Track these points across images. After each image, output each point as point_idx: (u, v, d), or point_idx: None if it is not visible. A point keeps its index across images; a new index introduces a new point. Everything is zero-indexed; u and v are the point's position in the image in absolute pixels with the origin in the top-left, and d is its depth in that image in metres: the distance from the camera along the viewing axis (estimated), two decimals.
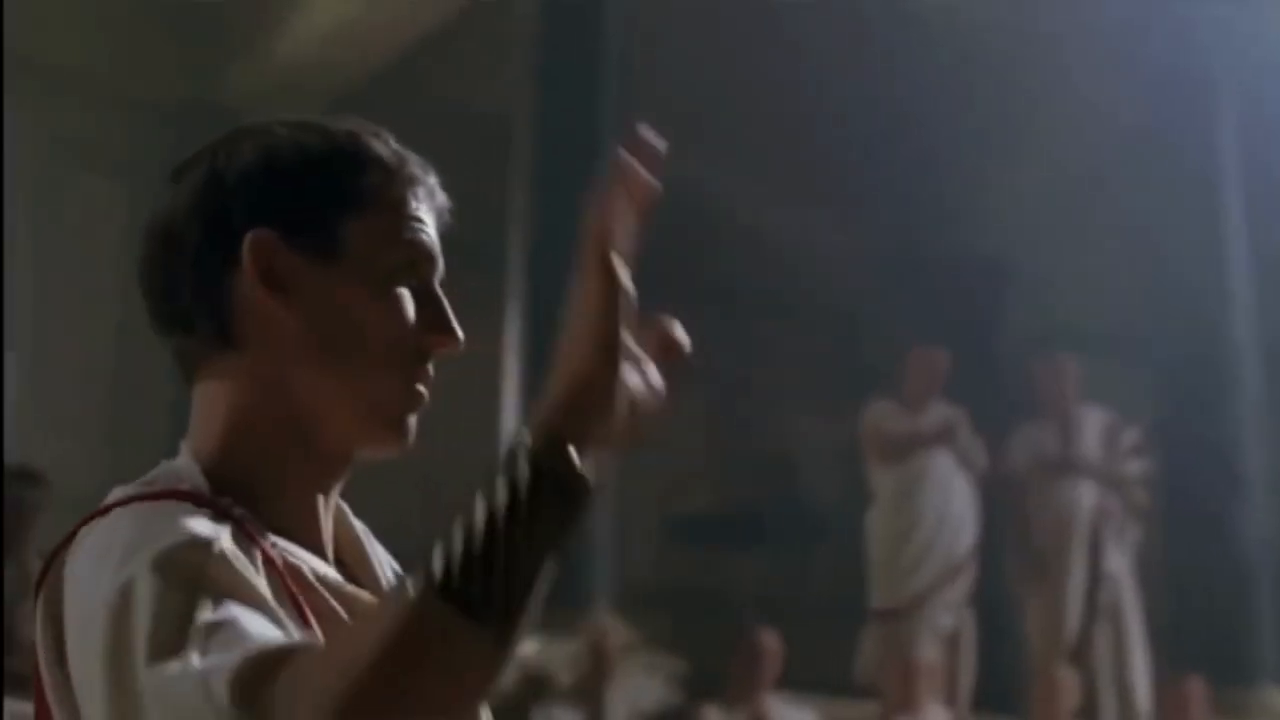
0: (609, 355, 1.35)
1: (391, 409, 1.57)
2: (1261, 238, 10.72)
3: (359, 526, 1.69)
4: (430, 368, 1.60)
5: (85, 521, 1.50)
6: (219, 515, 1.46)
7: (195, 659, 1.31)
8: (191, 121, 11.18)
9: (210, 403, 1.59)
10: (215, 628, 1.33)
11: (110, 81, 11.21)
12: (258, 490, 1.54)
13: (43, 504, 6.94)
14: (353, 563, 1.65)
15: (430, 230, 1.62)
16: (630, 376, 1.38)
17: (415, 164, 1.63)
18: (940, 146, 11.13)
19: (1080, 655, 9.47)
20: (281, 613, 1.39)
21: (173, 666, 1.31)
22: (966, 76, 10.96)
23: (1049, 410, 9.87)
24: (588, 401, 1.34)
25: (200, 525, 1.42)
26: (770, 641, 8.35)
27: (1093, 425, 9.79)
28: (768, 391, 12.29)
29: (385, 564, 1.68)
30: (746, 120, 11.12)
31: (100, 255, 10.85)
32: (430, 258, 1.61)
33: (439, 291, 1.61)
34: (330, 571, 1.56)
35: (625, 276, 1.40)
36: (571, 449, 1.32)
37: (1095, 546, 9.68)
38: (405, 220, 1.59)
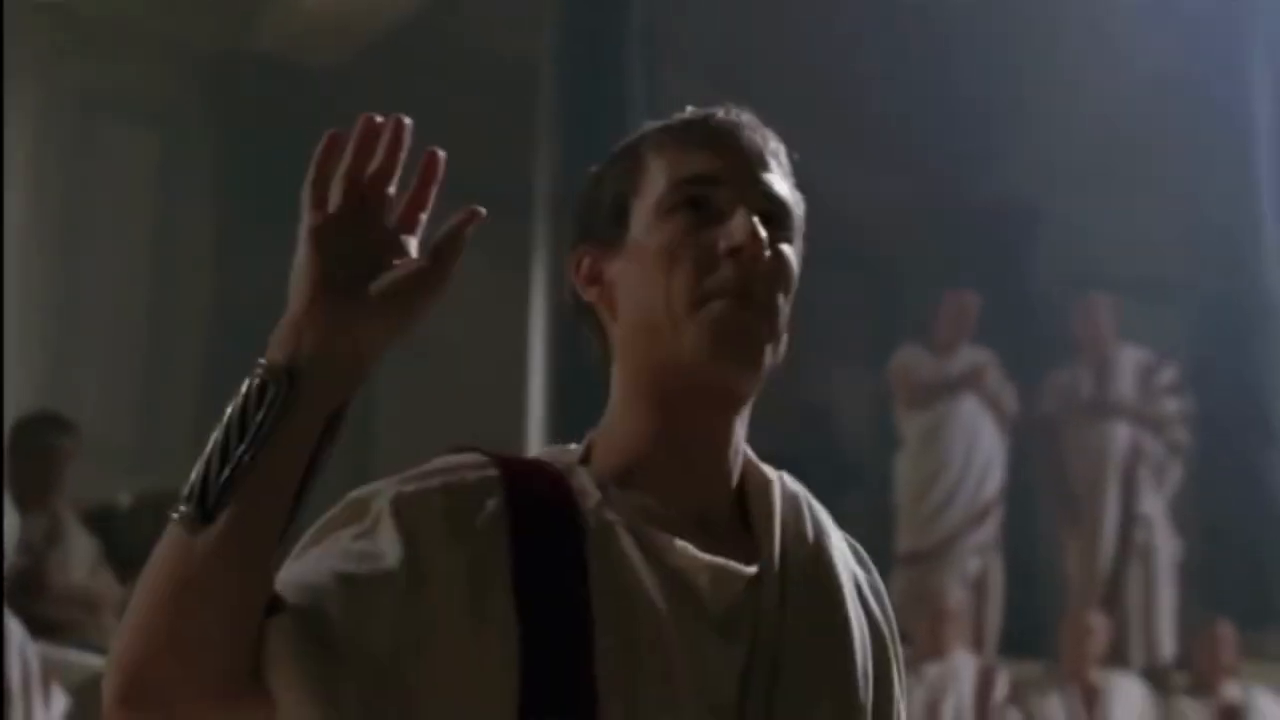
0: (301, 278, 1.51)
1: (704, 339, 1.63)
2: None
3: (784, 496, 1.74)
4: (739, 276, 1.64)
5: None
6: (490, 486, 1.59)
7: None
8: (223, 70, 11.21)
9: (612, 389, 1.72)
10: None
11: (142, 29, 11.21)
12: (628, 459, 1.66)
13: (73, 452, 6.98)
14: (757, 526, 1.69)
15: (707, 157, 1.69)
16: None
17: (702, 120, 1.74)
18: (972, 94, 11.08)
19: (1112, 596, 9.49)
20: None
21: None
22: (999, 24, 10.90)
23: (1084, 351, 9.87)
24: (294, 318, 1.50)
25: (423, 485, 1.58)
26: None
27: (1128, 365, 9.79)
28: (800, 338, 12.24)
29: (803, 533, 1.72)
30: (776, 68, 11.06)
31: (133, 203, 10.87)
32: (700, 179, 1.67)
33: (726, 205, 1.66)
34: (671, 537, 1.61)
35: (315, 213, 1.53)
36: (281, 353, 1.48)
37: (1129, 487, 9.69)
38: (671, 168, 1.68)
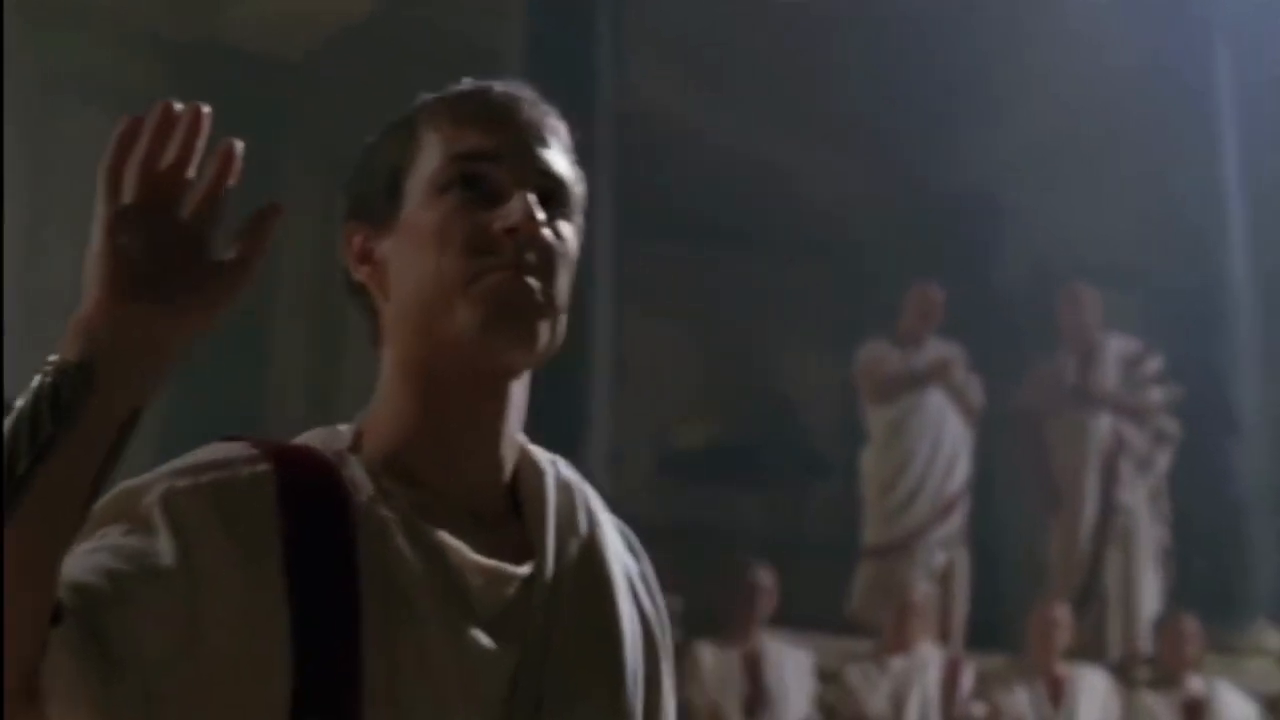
0: (95, 271, 1.45)
1: (476, 315, 1.58)
2: (1257, 171, 10.71)
3: (557, 483, 1.70)
4: (514, 252, 1.60)
5: None
6: (252, 462, 1.57)
7: None
8: (189, 55, 11.14)
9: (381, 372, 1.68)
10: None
11: (109, 14, 11.16)
12: (398, 446, 1.62)
13: None
14: (529, 516, 1.66)
15: (484, 132, 1.65)
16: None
17: (473, 89, 1.70)
18: (940, 85, 11.09)
19: (1090, 585, 9.52)
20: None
21: None
22: (966, 15, 10.91)
23: (1068, 340, 9.88)
24: (88, 313, 1.44)
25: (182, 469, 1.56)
26: (765, 579, 8.38)
27: (1112, 355, 9.81)
28: (766, 329, 12.28)
29: (578, 524, 1.69)
30: (745, 57, 11.07)
31: (97, 189, 10.81)
32: (477, 155, 1.63)
33: (501, 183, 1.63)
34: (447, 535, 1.58)
35: (109, 202, 1.47)
36: (74, 350, 1.42)
37: (1110, 477, 9.71)
38: (446, 144, 1.64)
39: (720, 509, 11.76)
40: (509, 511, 1.66)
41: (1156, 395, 9.85)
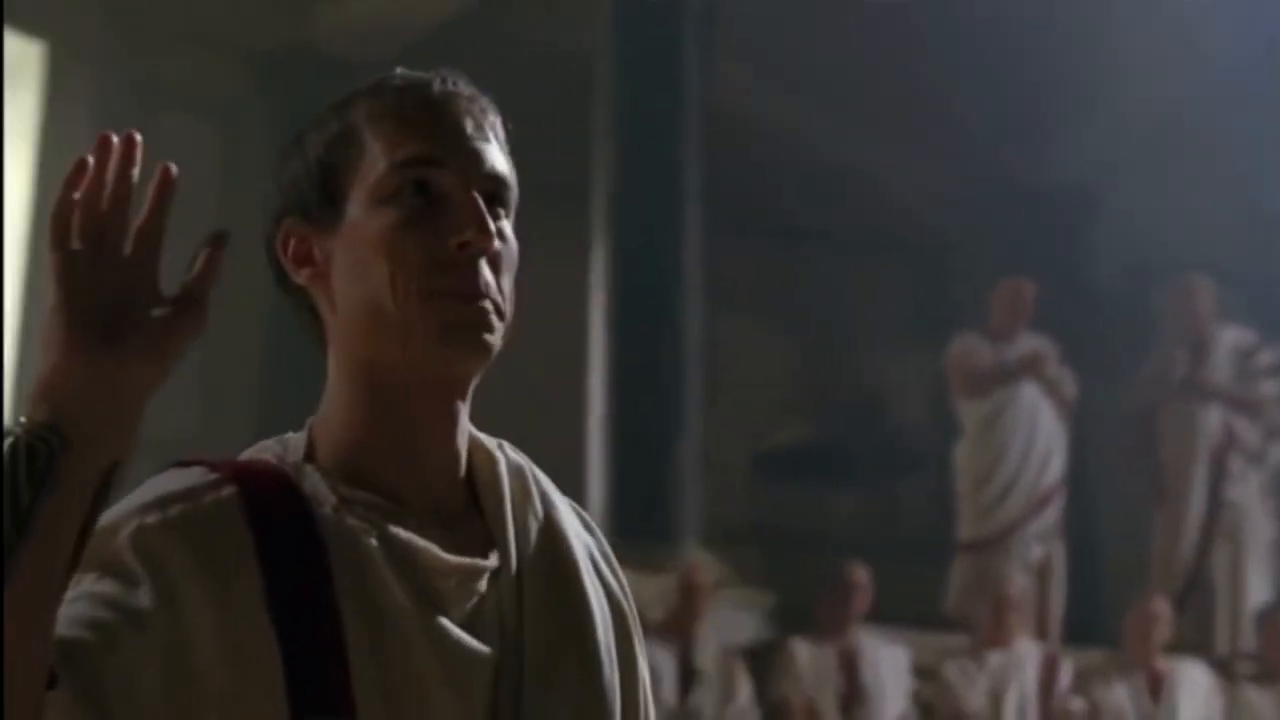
0: (52, 325, 1.40)
1: (432, 330, 1.56)
2: None
3: (510, 470, 1.68)
4: (470, 270, 1.57)
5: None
6: (214, 489, 1.54)
7: None
8: (280, 63, 11.24)
9: (328, 378, 1.66)
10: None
11: (201, 24, 11.26)
12: (355, 452, 1.61)
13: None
14: (487, 507, 1.65)
15: (437, 131, 1.61)
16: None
17: (409, 81, 1.64)
18: (1030, 78, 11.03)
19: (1195, 580, 9.44)
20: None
21: None
22: (1058, 6, 10.85)
23: (1180, 333, 9.80)
24: (51, 370, 1.40)
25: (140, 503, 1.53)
26: (860, 575, 8.37)
27: (1225, 347, 9.73)
28: (858, 326, 12.26)
29: (533, 509, 1.67)
30: (832, 56, 11.04)
31: (194, 197, 10.89)
32: (429, 162, 1.59)
33: (452, 190, 1.59)
34: (414, 537, 1.57)
35: (59, 251, 1.41)
36: (43, 410, 1.37)
37: (1219, 471, 9.63)
38: (392, 141, 1.60)
39: (814, 507, 11.75)
40: (467, 504, 1.65)
41: (1270, 388, 9.75)
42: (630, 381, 8.92)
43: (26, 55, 10.39)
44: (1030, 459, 9.55)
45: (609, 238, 9.31)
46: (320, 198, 1.62)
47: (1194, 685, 8.62)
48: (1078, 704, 8.48)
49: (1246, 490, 9.64)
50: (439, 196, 1.58)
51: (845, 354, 12.38)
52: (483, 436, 1.68)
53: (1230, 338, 9.79)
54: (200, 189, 10.87)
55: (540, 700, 1.57)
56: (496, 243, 1.59)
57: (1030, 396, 9.57)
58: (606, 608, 1.67)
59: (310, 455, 1.62)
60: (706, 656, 7.87)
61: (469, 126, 1.62)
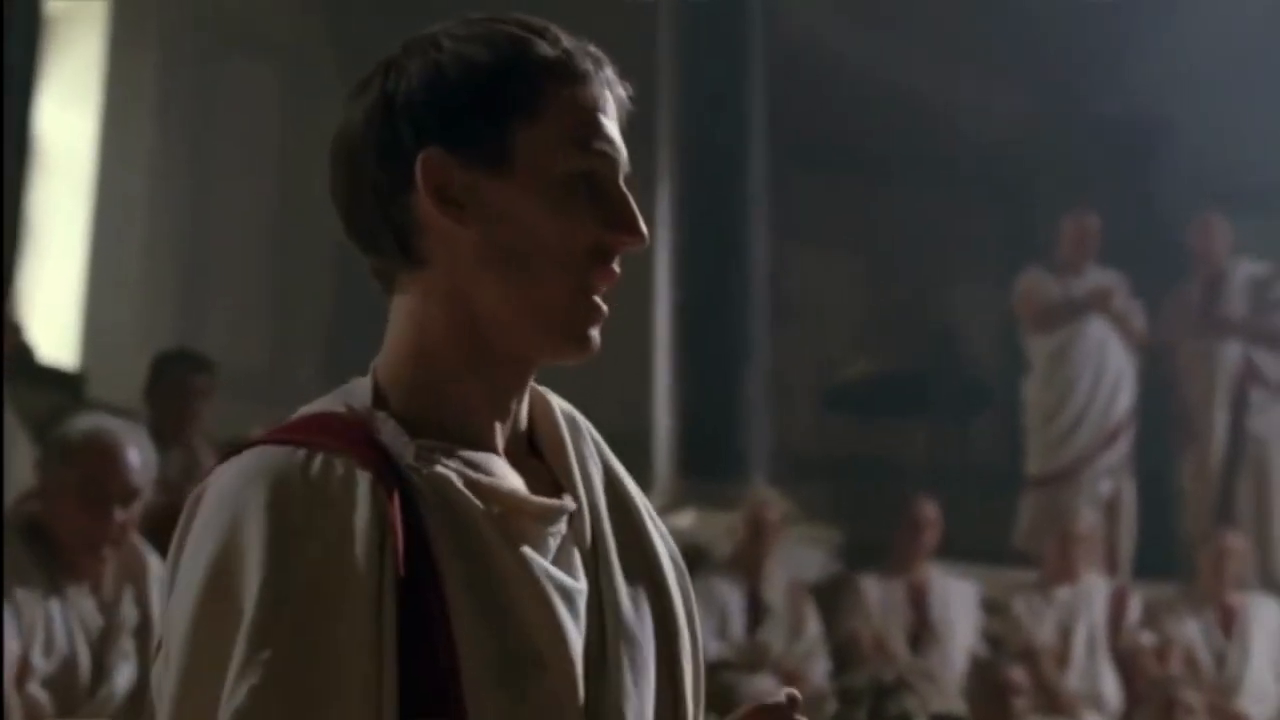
0: None
1: (570, 319, 1.58)
2: None
3: (564, 417, 1.69)
4: (615, 267, 1.59)
5: (224, 457, 1.57)
6: (328, 471, 1.49)
7: None
8: (346, 5, 11.23)
9: (399, 319, 1.62)
10: None
11: None
12: (437, 400, 1.59)
13: (209, 389, 7.03)
14: (550, 453, 1.66)
15: (607, 126, 1.61)
16: None
17: (586, 59, 1.62)
18: (1095, 4, 10.90)
19: (1223, 516, 9.39)
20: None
21: None
22: None
23: (1198, 267, 9.76)
24: None
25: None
26: (929, 510, 8.35)
27: (1240, 280, 9.67)
28: (925, 259, 12.19)
29: (591, 454, 1.68)
30: None
31: (256, 135, 10.94)
32: (605, 156, 1.60)
33: (621, 188, 1.60)
34: (500, 480, 1.57)
35: None
36: None
37: (1239, 405, 9.58)
38: (577, 123, 1.58)
39: (883, 441, 11.71)
40: (526, 445, 1.65)
41: None
42: (697, 317, 8.90)
43: (90, 3, 10.41)
44: (1098, 393, 9.50)
45: (675, 167, 9.26)
46: (488, 138, 1.57)
47: (1265, 620, 8.56)
48: (1148, 638, 8.44)
49: (1270, 423, 9.59)
50: (598, 186, 1.59)
51: (915, 287, 12.32)
52: (534, 385, 1.68)
53: (1244, 270, 9.72)
54: (264, 129, 10.92)
55: (625, 639, 1.59)
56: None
57: (1098, 330, 9.51)
58: (669, 557, 1.69)
59: (379, 401, 1.59)
60: (775, 592, 7.86)
61: (620, 122, 1.63)
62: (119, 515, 4.45)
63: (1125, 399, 9.56)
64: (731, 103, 9.26)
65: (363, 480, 1.49)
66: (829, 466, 11.27)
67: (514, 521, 1.55)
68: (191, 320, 10.10)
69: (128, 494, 4.46)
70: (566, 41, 1.61)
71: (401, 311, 1.61)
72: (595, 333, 1.59)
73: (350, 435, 1.54)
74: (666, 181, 9.26)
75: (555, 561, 1.57)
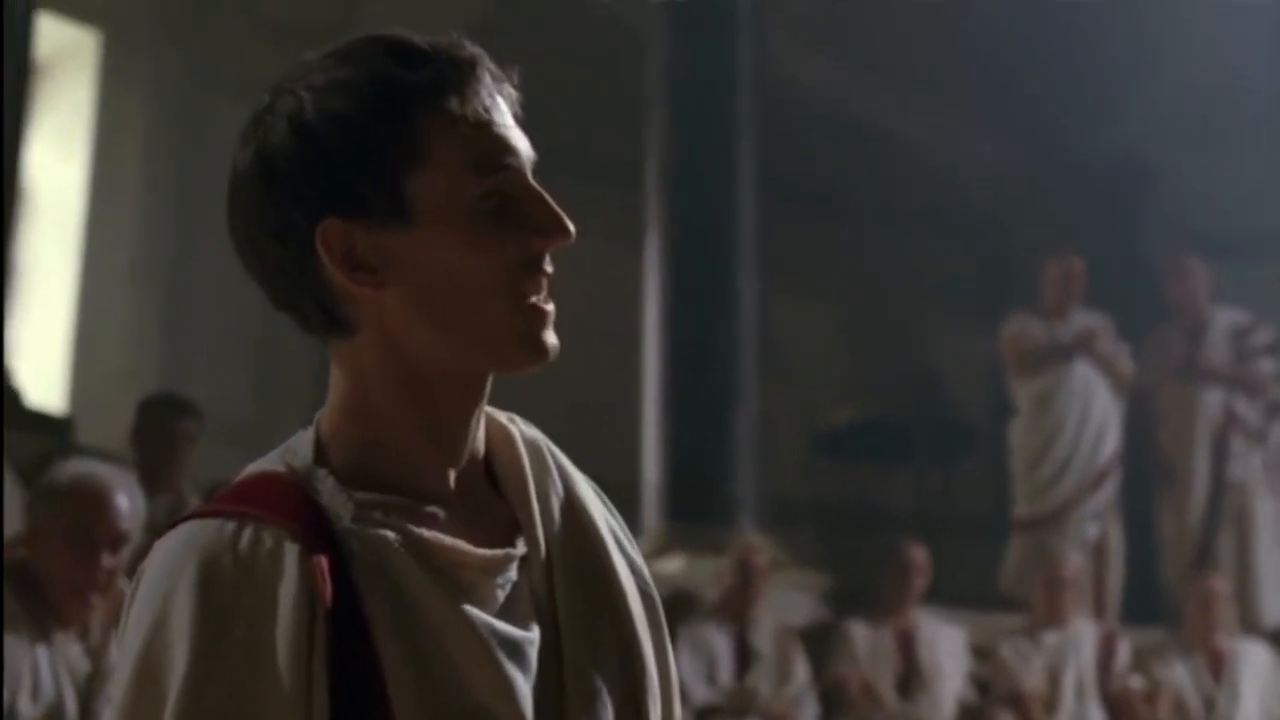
0: None
1: (518, 335, 1.52)
2: None
3: (527, 446, 1.64)
4: (546, 270, 1.53)
5: (166, 529, 1.54)
6: (257, 540, 1.47)
7: None
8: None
9: (338, 374, 1.58)
10: None
11: (255, 6, 11.28)
12: (378, 452, 1.55)
13: (196, 433, 7.02)
14: (509, 487, 1.61)
15: (500, 133, 1.54)
16: None
17: (458, 67, 1.53)
18: (1084, 51, 10.96)
19: (1203, 562, 9.39)
20: None
21: None
22: None
23: (1178, 315, 9.79)
24: None
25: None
26: (917, 555, 8.34)
27: (1221, 328, 9.70)
28: (912, 303, 12.22)
29: (554, 484, 1.63)
30: (884, 28, 11.00)
31: None
32: (507, 168, 1.53)
33: (533, 189, 1.54)
34: (442, 534, 1.53)
35: None
36: None
37: (1220, 453, 9.59)
38: (467, 147, 1.51)
39: (870, 487, 11.72)
40: (485, 482, 1.61)
41: (1267, 366, 9.71)
42: (685, 360, 8.91)
43: (81, 44, 10.44)
44: (1084, 437, 9.50)
45: (663, 214, 9.28)
46: (380, 195, 1.50)
47: (1254, 663, 8.56)
48: (1137, 682, 8.43)
49: (1249, 469, 9.60)
50: (508, 197, 1.52)
51: (900, 331, 12.35)
52: (495, 412, 1.64)
53: (1226, 318, 9.75)
54: None
55: (582, 680, 1.55)
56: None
57: (1084, 374, 9.52)
58: (634, 583, 1.64)
59: (321, 457, 1.55)
60: (763, 637, 7.85)
61: (512, 115, 1.56)
62: (107, 561, 4.44)
63: (1111, 442, 9.57)
64: (721, 147, 9.29)
65: (290, 553, 1.46)
66: (817, 512, 11.27)
67: (457, 576, 1.51)
68: (178, 365, 10.09)
69: (116, 539, 4.45)
70: (431, 51, 1.53)
71: (341, 368, 1.58)
72: (549, 335, 1.53)
73: (286, 501, 1.51)
74: (655, 226, 9.28)
75: (504, 610, 1.53)
